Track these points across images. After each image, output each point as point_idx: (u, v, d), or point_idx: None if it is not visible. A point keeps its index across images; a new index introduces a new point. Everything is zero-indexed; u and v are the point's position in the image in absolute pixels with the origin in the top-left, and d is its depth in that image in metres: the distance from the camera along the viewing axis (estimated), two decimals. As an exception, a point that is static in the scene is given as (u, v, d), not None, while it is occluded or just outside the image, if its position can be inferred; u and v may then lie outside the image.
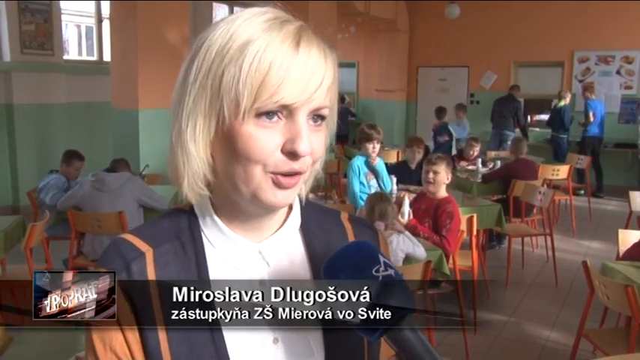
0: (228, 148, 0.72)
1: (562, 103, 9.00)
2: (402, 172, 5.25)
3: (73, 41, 21.09)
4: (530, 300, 4.88)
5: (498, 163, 6.61)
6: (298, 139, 0.71)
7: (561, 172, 7.04)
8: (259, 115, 0.70)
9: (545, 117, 11.33)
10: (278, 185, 0.73)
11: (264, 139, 0.71)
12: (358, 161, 4.62)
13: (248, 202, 0.76)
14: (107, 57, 8.12)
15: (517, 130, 9.52)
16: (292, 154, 0.72)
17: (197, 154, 0.74)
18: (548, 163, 7.46)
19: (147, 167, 5.66)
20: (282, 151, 0.72)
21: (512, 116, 9.40)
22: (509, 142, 8.96)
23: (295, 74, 0.70)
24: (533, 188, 5.53)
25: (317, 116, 0.74)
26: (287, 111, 0.71)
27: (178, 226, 0.81)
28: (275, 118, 0.71)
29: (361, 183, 4.59)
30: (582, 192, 8.69)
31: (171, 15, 6.50)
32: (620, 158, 8.99)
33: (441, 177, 3.95)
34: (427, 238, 3.79)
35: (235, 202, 0.77)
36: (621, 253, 3.76)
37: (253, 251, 0.81)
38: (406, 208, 3.87)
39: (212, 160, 0.75)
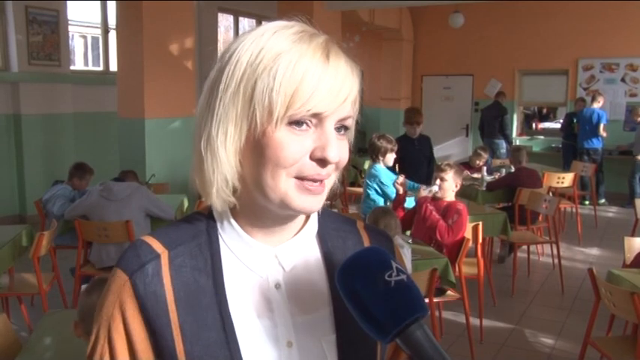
0: (258, 154, 0.74)
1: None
2: (404, 143, 5.54)
3: (79, 52, 21.25)
4: (536, 308, 4.87)
5: (503, 172, 6.61)
6: (328, 147, 0.73)
7: (566, 180, 7.04)
8: (291, 123, 0.73)
9: (548, 125, 11.38)
10: (306, 191, 0.75)
11: (295, 146, 0.73)
12: (387, 173, 4.77)
13: (277, 208, 0.77)
14: (113, 67, 8.19)
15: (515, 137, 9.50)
16: (321, 161, 0.74)
17: (227, 161, 0.75)
18: (553, 171, 7.45)
19: (153, 177, 5.69)
20: (311, 157, 0.74)
21: (499, 124, 9.32)
22: (502, 151, 8.99)
23: (326, 84, 0.72)
24: (538, 196, 5.53)
25: (342, 126, 0.77)
26: (317, 119, 0.73)
27: (196, 229, 0.83)
28: (305, 126, 0.73)
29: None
30: (587, 202, 8.67)
31: (176, 25, 6.56)
32: (625, 166, 8.96)
33: (449, 184, 4.08)
34: (436, 220, 3.89)
35: (260, 208, 0.79)
36: (627, 261, 3.76)
37: (269, 255, 0.82)
38: (435, 188, 4.10)
39: (240, 167, 0.77)
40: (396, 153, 5.61)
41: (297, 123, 0.73)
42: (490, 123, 9.36)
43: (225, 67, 0.76)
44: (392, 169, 4.92)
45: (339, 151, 0.75)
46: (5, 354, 2.18)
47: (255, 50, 0.74)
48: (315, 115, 0.73)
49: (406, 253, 3.29)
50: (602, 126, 8.60)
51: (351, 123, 0.78)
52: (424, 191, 4.12)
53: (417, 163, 5.25)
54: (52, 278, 4.00)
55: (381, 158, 4.79)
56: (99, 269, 4.13)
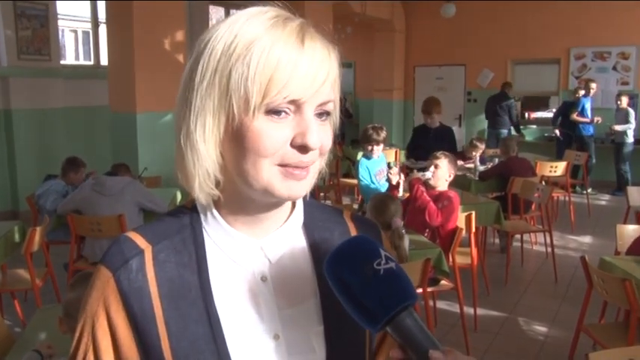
0: (238, 144, 0.73)
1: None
2: (419, 132, 5.74)
3: (69, 46, 21.10)
4: (529, 296, 4.90)
5: (496, 161, 6.63)
6: (308, 133, 0.72)
7: (559, 168, 7.06)
8: (268, 111, 0.71)
9: (541, 114, 11.39)
10: (290, 177, 0.74)
11: (274, 134, 0.72)
12: (365, 164, 4.85)
13: (261, 196, 0.76)
14: (104, 61, 8.14)
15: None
16: (302, 148, 0.73)
17: (207, 154, 0.74)
18: (545, 160, 7.47)
19: (145, 170, 5.67)
20: (292, 145, 0.73)
21: (506, 114, 9.43)
22: None
23: (302, 69, 0.71)
24: (531, 185, 5.55)
25: (323, 112, 0.75)
26: (295, 106, 0.72)
27: (180, 223, 0.82)
28: (283, 114, 0.72)
29: (373, 183, 4.80)
30: (578, 188, 8.73)
31: (167, 18, 6.51)
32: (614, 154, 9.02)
33: (442, 172, 4.11)
34: (426, 202, 3.93)
35: (245, 198, 0.78)
36: (620, 248, 3.78)
37: (255, 247, 0.81)
38: (427, 174, 4.17)
39: (221, 158, 0.76)
40: (412, 142, 5.72)
41: (275, 111, 0.71)
42: (497, 113, 9.45)
43: (200, 57, 0.74)
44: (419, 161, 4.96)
45: (320, 136, 0.74)
46: (-2, 349, 2.17)
47: (229, 39, 0.72)
48: (293, 102, 0.71)
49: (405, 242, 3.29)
50: (576, 112, 8.72)
51: (331, 107, 0.76)
52: (417, 174, 4.17)
53: (429, 154, 5.17)
54: (45, 274, 3.99)
55: (367, 148, 4.85)
56: (92, 264, 4.12)
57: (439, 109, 5.62)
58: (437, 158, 4.16)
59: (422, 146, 5.47)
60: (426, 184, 4.13)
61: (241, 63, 0.71)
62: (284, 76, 0.70)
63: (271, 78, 0.70)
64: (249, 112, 0.71)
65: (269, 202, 0.78)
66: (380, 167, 4.83)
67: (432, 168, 4.15)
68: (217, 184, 0.77)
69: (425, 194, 3.99)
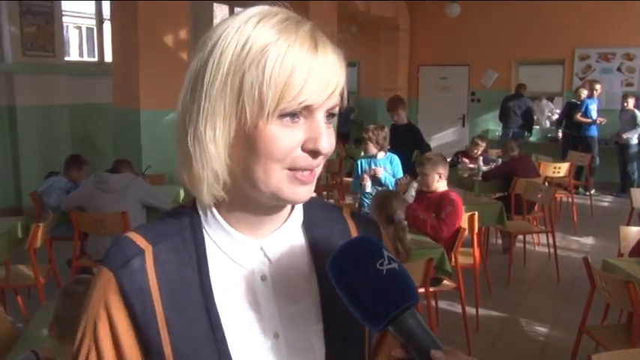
0: (249, 148, 0.73)
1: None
2: (390, 131, 5.67)
3: (73, 43, 21.14)
4: (531, 297, 4.89)
5: (500, 162, 6.63)
6: (320, 138, 0.73)
7: (562, 169, 7.05)
8: (281, 115, 0.71)
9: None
10: (298, 182, 0.74)
11: (286, 139, 0.72)
12: (360, 164, 4.90)
13: (268, 200, 0.77)
14: (108, 58, 8.15)
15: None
16: (314, 152, 0.73)
17: (217, 156, 0.74)
18: (549, 160, 7.46)
19: (149, 168, 5.68)
20: (303, 149, 0.73)
21: (523, 114, 9.39)
22: (520, 142, 9.03)
23: (316, 75, 0.71)
24: (534, 186, 5.54)
25: (330, 114, 0.76)
26: (307, 111, 0.72)
27: (181, 223, 0.81)
28: (295, 119, 0.72)
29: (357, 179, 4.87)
30: (581, 189, 8.71)
31: (171, 16, 6.52)
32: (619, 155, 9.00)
33: (431, 177, 4.08)
34: (425, 220, 3.83)
35: (249, 200, 0.78)
36: (623, 249, 3.77)
37: (255, 248, 0.81)
38: (412, 191, 4.16)
39: (229, 161, 0.75)
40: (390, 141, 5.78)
41: (288, 116, 0.71)
42: (515, 113, 9.42)
43: (209, 57, 0.73)
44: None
45: (330, 140, 0.74)
46: (1, 345, 2.18)
47: (241, 41, 0.71)
48: (307, 107, 0.72)
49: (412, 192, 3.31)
50: (579, 113, 8.71)
51: (337, 111, 0.77)
52: (411, 192, 4.21)
53: (398, 151, 5.10)
54: (48, 270, 4.00)
55: (363, 147, 4.92)
56: (95, 261, 4.13)
57: (404, 106, 5.87)
58: (421, 165, 4.10)
59: (391, 143, 5.55)
60: (423, 190, 4.14)
61: (255, 67, 0.70)
62: (299, 81, 0.70)
63: (287, 83, 0.70)
64: (263, 116, 0.71)
65: (273, 204, 0.79)
66: (374, 166, 4.73)
67: (418, 178, 4.17)
68: (223, 185, 0.77)
69: (420, 217, 3.84)
